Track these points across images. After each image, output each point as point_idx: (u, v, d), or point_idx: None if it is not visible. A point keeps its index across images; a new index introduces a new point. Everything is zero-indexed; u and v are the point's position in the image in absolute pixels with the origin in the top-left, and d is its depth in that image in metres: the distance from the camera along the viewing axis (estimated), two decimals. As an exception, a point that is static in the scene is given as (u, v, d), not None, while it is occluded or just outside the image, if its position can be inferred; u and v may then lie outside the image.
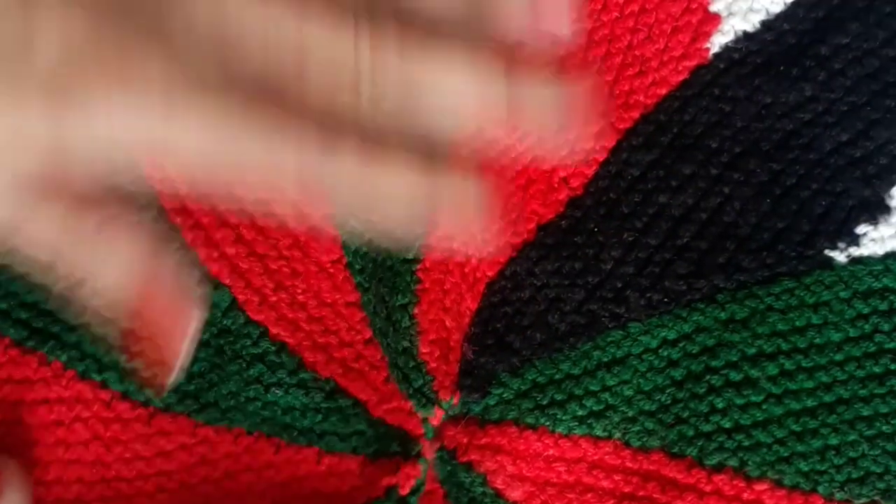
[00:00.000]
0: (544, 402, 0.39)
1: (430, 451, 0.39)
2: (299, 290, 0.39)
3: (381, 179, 0.26)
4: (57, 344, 0.39)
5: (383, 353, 0.40)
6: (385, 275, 0.40)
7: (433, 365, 0.40)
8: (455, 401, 0.39)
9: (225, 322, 0.39)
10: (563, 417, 0.38)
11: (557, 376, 0.39)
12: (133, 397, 0.38)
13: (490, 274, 0.40)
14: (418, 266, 0.40)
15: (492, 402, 0.39)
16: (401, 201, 0.26)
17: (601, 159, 0.40)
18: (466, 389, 0.39)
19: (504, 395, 0.39)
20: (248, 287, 0.39)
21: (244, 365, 0.39)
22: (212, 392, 0.39)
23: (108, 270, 0.28)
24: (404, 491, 0.38)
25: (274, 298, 0.39)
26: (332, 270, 0.40)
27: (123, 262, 0.29)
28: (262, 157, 0.26)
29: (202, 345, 0.39)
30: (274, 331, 0.39)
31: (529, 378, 0.39)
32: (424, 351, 0.40)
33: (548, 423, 0.39)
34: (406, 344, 0.40)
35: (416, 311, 0.40)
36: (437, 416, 0.40)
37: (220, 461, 0.39)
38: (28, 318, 0.39)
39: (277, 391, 0.38)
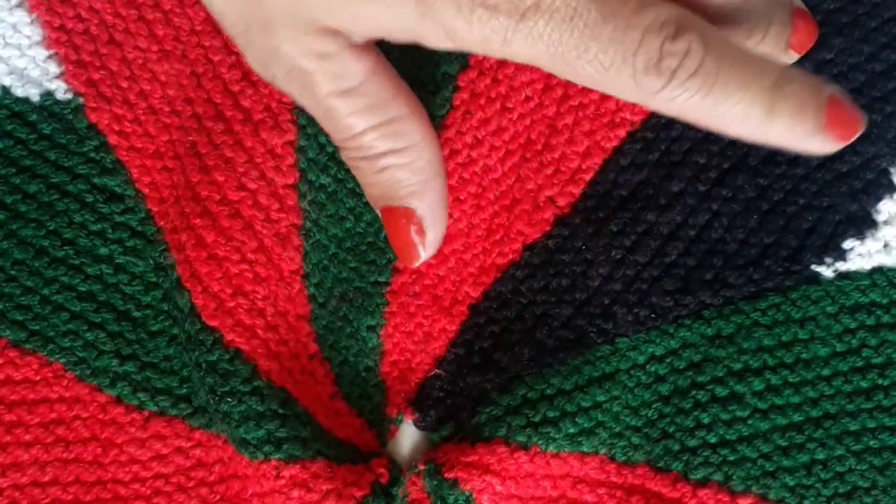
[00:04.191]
0: (536, 420, 0.38)
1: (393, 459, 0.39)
2: (259, 297, 0.39)
3: None
4: (55, 347, 0.39)
5: (333, 371, 0.40)
6: (353, 295, 0.40)
7: (389, 384, 0.40)
8: (405, 417, 0.40)
9: (187, 328, 0.39)
10: (556, 436, 0.38)
11: (549, 391, 0.39)
12: (126, 401, 0.39)
13: (474, 296, 0.40)
14: (387, 289, 0.40)
15: (481, 421, 0.39)
16: None
17: (588, 178, 0.41)
18: (423, 409, 0.40)
19: (493, 412, 0.39)
20: (204, 292, 0.39)
21: (201, 373, 0.38)
22: (199, 396, 0.39)
23: None
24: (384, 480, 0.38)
25: (231, 304, 0.39)
26: (289, 280, 0.40)
27: None
28: None
29: (184, 347, 0.39)
30: (228, 337, 0.38)
31: (519, 394, 0.39)
32: (385, 371, 0.40)
33: (540, 442, 0.38)
34: (370, 363, 0.40)
35: (381, 332, 0.40)
36: (392, 432, 0.40)
37: (215, 465, 0.39)
38: (24, 319, 0.39)
39: (231, 400, 0.38)
